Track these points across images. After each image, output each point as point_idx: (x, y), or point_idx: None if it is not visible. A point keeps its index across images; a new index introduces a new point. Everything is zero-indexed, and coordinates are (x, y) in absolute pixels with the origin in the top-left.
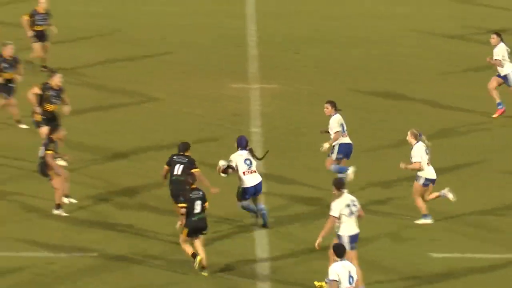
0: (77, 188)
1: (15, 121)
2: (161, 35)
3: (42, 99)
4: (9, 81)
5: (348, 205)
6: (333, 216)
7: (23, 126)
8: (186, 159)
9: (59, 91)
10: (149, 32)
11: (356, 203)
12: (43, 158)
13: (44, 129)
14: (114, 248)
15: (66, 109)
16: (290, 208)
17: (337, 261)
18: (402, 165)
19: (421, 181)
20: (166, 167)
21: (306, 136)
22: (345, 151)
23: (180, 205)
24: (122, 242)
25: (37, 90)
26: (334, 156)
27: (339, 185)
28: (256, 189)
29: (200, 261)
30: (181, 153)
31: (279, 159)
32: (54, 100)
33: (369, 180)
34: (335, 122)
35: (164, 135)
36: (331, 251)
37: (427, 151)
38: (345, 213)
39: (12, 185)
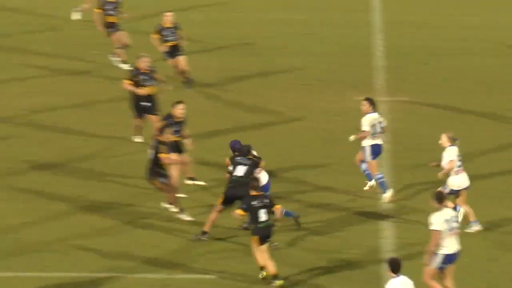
0: (193, 205)
1: (135, 134)
2: (282, 44)
3: (163, 131)
4: (147, 98)
5: (447, 220)
6: (437, 230)
7: (139, 140)
8: (250, 161)
9: (180, 123)
10: (270, 41)
11: (457, 219)
12: (151, 161)
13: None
14: (234, 270)
15: (188, 143)
16: (415, 223)
17: (393, 277)
18: (440, 174)
19: (446, 190)
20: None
21: (433, 152)
22: (377, 152)
23: (238, 211)
24: (243, 264)
25: (161, 122)
26: (368, 157)
27: (441, 198)
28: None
29: (278, 281)
30: (244, 155)
31: (406, 174)
32: (176, 134)
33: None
34: (367, 121)
35: (283, 150)
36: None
37: (459, 158)
38: (443, 229)
39: (126, 199)
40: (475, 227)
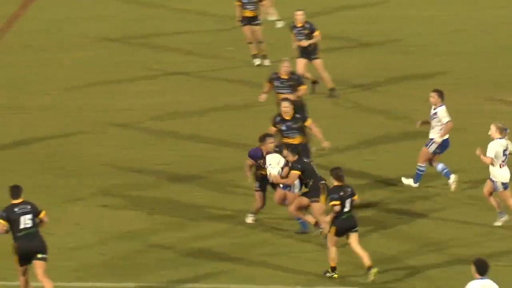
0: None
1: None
2: (430, 42)
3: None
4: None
5: None
6: None
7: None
8: None
9: (290, 122)
10: (418, 39)
11: None
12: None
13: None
14: (365, 280)
15: (324, 144)
16: None
17: (477, 278)
18: (478, 151)
19: (499, 186)
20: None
21: None
22: (445, 147)
23: (332, 203)
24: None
25: (272, 127)
26: (432, 149)
27: None
28: None
29: (375, 273)
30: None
31: None
32: (288, 134)
33: None
34: (445, 112)
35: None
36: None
37: (505, 152)
38: None
39: (241, 205)
40: (503, 218)
